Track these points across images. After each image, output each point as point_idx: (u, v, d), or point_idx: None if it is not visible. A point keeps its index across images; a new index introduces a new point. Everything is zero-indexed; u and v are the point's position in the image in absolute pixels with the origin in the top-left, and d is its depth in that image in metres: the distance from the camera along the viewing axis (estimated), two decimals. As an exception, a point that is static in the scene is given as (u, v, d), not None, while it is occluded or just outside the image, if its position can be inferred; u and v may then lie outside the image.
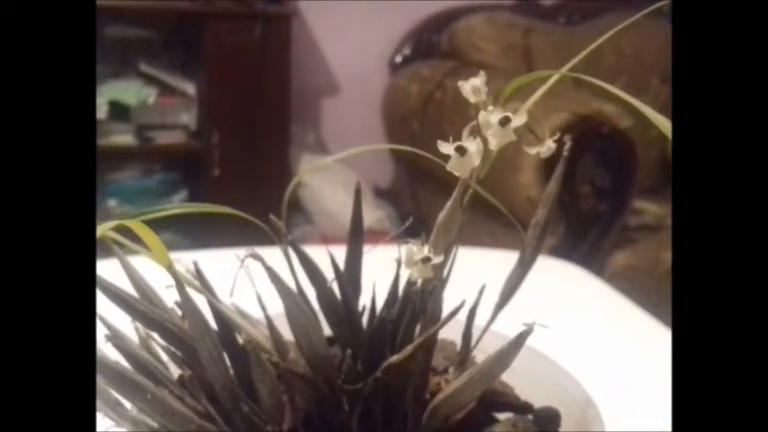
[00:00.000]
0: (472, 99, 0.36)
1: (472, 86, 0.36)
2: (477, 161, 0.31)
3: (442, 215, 0.34)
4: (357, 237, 0.38)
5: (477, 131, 0.31)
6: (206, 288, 0.36)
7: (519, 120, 0.31)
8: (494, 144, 0.31)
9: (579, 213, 1.63)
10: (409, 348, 0.33)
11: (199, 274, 0.36)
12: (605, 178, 1.64)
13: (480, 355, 0.45)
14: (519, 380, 0.43)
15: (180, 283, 0.31)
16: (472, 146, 0.31)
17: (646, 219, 1.80)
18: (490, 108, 0.31)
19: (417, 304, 0.35)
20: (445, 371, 0.42)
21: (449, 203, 0.34)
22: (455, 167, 0.31)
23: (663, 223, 1.78)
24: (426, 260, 0.33)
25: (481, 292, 0.39)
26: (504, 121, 0.31)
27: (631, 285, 0.97)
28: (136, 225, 0.29)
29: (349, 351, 0.35)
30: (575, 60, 0.34)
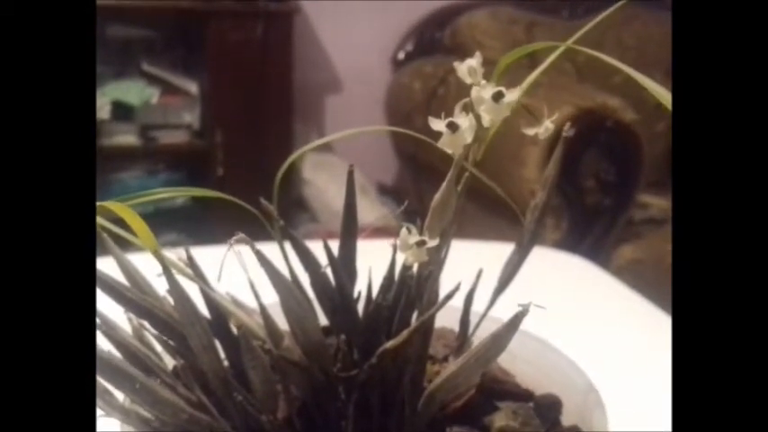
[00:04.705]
0: (468, 80, 0.35)
1: (468, 67, 0.35)
2: (469, 138, 0.30)
3: (436, 198, 0.34)
4: (350, 223, 0.37)
5: (470, 108, 0.31)
6: (198, 276, 0.35)
7: (512, 95, 0.30)
8: (486, 120, 0.30)
9: (584, 208, 1.62)
10: (404, 334, 0.33)
11: (191, 261, 0.35)
12: (610, 172, 1.63)
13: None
14: (522, 367, 0.43)
15: (167, 269, 0.31)
16: (464, 122, 0.30)
17: (651, 212, 1.79)
18: (483, 82, 0.30)
19: (413, 290, 0.34)
20: (445, 359, 0.42)
21: (443, 185, 0.34)
22: (447, 144, 0.31)
23: (668, 217, 1.77)
24: (421, 243, 0.32)
25: (478, 277, 0.38)
26: (498, 97, 0.30)
27: (637, 279, 0.96)
28: (118, 208, 0.28)
29: (343, 337, 0.34)
30: (575, 36, 0.33)
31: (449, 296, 0.33)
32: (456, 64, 0.35)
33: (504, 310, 0.40)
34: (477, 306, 0.40)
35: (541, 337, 0.44)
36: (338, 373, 0.34)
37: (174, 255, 0.36)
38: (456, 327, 0.42)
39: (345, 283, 0.36)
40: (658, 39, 2.11)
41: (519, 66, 0.35)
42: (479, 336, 0.43)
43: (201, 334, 0.32)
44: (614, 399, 0.39)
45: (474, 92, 0.31)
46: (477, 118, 0.30)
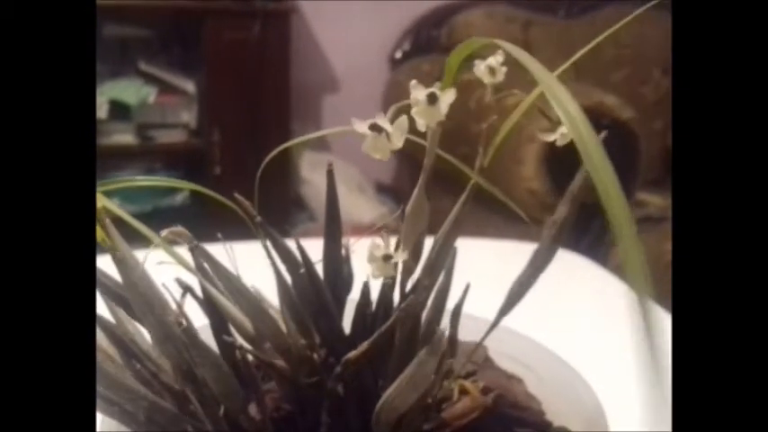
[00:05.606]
0: (487, 80, 0.33)
1: (487, 66, 0.32)
2: (398, 143, 0.28)
3: (409, 206, 0.32)
4: (334, 223, 0.36)
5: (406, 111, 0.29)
6: (200, 272, 0.35)
7: (448, 97, 0.28)
8: (421, 125, 0.28)
9: (581, 206, 1.61)
10: (365, 345, 0.32)
11: (194, 255, 0.34)
12: (607, 170, 1.63)
13: (493, 354, 0.43)
14: (550, 392, 0.41)
15: (121, 258, 0.30)
16: (388, 125, 0.28)
17: (648, 211, 1.79)
18: (413, 82, 0.29)
19: (394, 298, 0.33)
20: (468, 375, 0.40)
21: (415, 192, 0.32)
22: (371, 148, 0.28)
23: (665, 215, 1.77)
24: (387, 258, 0.31)
25: (465, 292, 0.37)
26: (432, 99, 0.28)
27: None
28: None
29: (304, 342, 0.33)
30: (574, 58, 0.32)
31: (407, 307, 0.32)
32: (477, 62, 0.33)
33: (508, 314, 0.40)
34: (486, 313, 0.39)
35: (568, 360, 0.42)
36: (304, 379, 0.33)
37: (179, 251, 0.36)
38: (476, 339, 0.40)
39: (321, 285, 0.35)
40: (655, 37, 2.11)
41: (515, 62, 0.34)
42: (495, 350, 0.42)
43: (156, 326, 0.31)
44: (613, 396, 0.39)
45: (412, 93, 0.28)
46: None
